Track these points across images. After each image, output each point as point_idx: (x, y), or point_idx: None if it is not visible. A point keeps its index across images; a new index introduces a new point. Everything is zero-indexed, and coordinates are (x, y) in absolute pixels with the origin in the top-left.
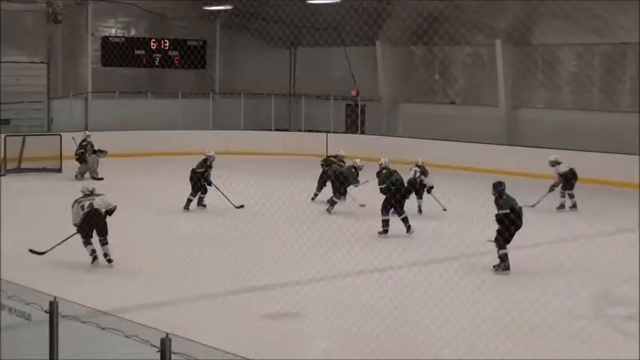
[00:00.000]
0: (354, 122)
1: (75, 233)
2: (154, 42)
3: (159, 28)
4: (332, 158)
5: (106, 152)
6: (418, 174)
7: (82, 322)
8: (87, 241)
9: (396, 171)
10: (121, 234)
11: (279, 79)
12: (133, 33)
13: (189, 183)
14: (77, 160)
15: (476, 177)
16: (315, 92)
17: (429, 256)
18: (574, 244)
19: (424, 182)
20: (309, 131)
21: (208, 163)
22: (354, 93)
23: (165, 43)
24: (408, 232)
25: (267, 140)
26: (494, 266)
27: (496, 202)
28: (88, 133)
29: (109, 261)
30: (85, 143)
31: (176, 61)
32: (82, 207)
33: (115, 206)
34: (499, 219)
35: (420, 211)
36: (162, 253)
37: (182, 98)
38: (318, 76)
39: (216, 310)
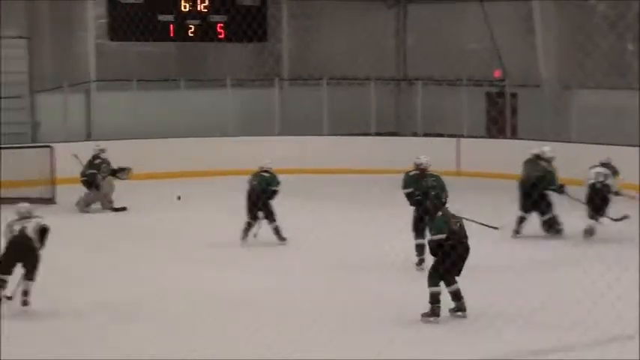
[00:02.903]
0: (501, 120)
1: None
2: (186, 1)
3: None
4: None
5: (130, 170)
6: (602, 177)
7: None
8: (1, 280)
9: (437, 176)
10: (145, 297)
11: (380, 54)
12: None
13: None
14: (84, 184)
15: None
16: (437, 74)
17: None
18: None
19: (611, 189)
20: (429, 135)
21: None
22: (498, 74)
23: (204, 2)
24: (418, 264)
25: (364, 151)
26: (422, 314)
27: (429, 221)
28: (102, 146)
29: (25, 303)
30: (98, 161)
31: (221, 32)
32: (12, 231)
33: (45, 226)
34: (433, 247)
35: (588, 232)
36: (210, 323)
37: (233, 88)
38: (441, 48)
39: None
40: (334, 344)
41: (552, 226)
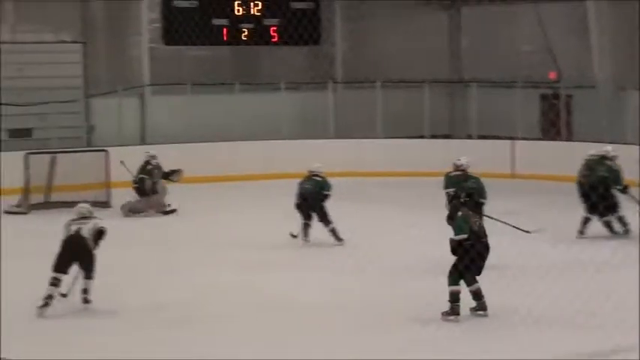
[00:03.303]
0: (555, 122)
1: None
2: (239, 5)
3: None
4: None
5: (181, 172)
6: None
7: None
8: (56, 278)
9: (477, 178)
10: (198, 299)
11: (434, 57)
12: None
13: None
14: (136, 190)
15: None
16: (491, 76)
17: None
18: None
19: None
20: (483, 138)
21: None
22: (553, 76)
23: (257, 6)
24: None
25: (418, 153)
26: (442, 312)
27: (449, 220)
28: (152, 152)
29: (85, 301)
30: (149, 167)
31: (275, 35)
32: (68, 232)
33: (103, 228)
34: (453, 246)
35: None
36: (262, 325)
37: (286, 91)
38: (495, 50)
39: None
40: (352, 343)
41: (615, 226)
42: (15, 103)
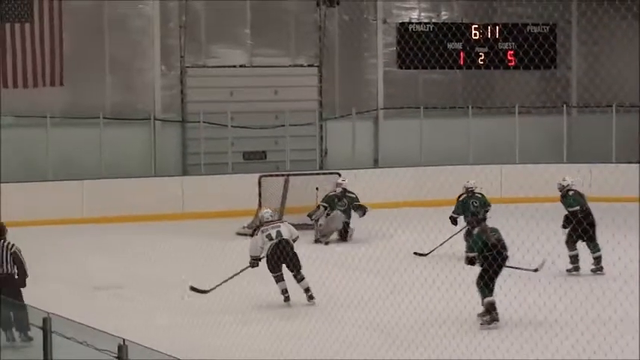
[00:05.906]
0: None
1: (246, 268)
2: (476, 29)
3: (484, 7)
4: None
5: (366, 209)
6: None
7: None
8: (279, 277)
9: (583, 195)
10: (423, 323)
11: None
12: (444, 17)
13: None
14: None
15: None
16: None
17: None
18: None
19: None
20: None
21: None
22: None
23: (494, 30)
24: (571, 270)
25: None
26: (480, 318)
27: (466, 238)
28: (339, 180)
29: (311, 298)
30: (332, 194)
31: (512, 59)
32: (270, 237)
33: (298, 236)
34: (470, 261)
35: None
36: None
37: (520, 115)
38: None
39: None
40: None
41: None
42: (250, 126)
